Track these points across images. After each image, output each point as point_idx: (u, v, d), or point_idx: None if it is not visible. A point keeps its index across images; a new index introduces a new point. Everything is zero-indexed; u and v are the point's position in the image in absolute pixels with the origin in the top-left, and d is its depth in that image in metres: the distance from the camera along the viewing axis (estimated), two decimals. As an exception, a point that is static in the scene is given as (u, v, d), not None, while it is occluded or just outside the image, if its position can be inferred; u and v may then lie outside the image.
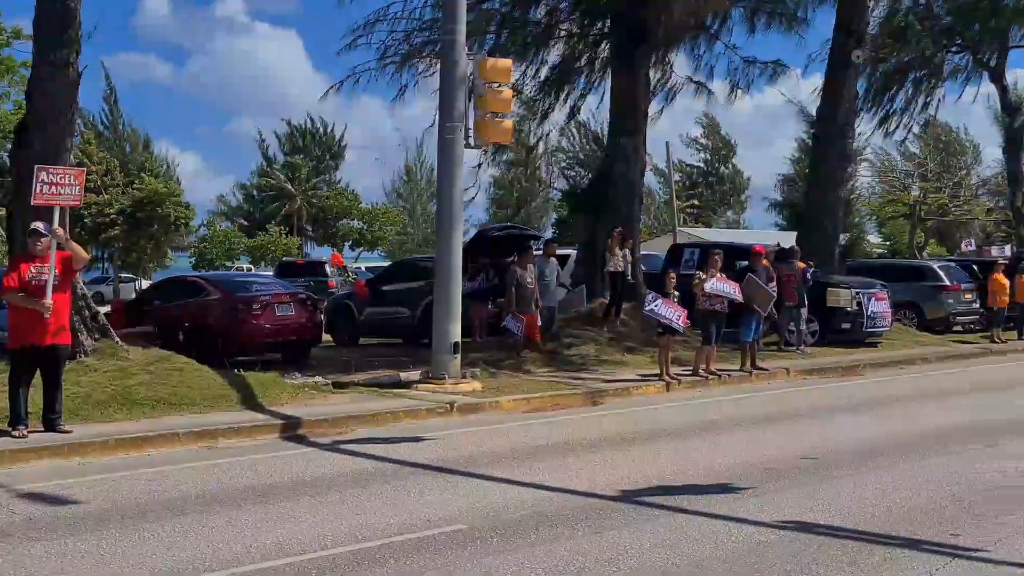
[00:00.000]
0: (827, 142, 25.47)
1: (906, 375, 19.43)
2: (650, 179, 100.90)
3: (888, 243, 73.05)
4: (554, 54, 23.25)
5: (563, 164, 75.33)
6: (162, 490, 9.49)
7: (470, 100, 15.69)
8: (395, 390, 15.23)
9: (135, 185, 65.34)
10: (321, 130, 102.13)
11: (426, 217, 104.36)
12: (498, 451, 11.51)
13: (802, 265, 21.08)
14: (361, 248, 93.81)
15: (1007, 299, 24.71)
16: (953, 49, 35.00)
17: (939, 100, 34.43)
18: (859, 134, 33.26)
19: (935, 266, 28.93)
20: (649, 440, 12.16)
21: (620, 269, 20.24)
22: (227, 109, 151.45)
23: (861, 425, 13.28)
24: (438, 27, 17.84)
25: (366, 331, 24.68)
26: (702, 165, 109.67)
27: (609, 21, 21.57)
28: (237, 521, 8.27)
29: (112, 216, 63.56)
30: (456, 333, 15.60)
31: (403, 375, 16.00)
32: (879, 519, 8.29)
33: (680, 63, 37.05)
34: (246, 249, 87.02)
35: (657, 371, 17.28)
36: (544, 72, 23.40)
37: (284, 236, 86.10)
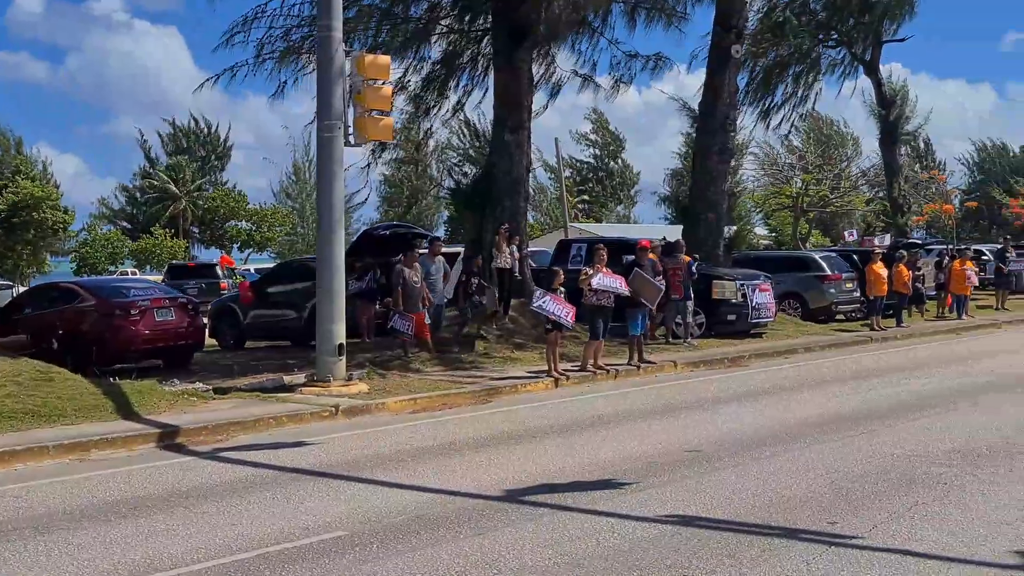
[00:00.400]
0: (709, 136, 25.77)
1: (790, 364, 19.75)
2: (541, 175, 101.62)
3: (774, 235, 74.57)
4: (437, 51, 23.14)
5: (453, 161, 75.18)
6: (28, 506, 9.11)
7: (349, 98, 15.45)
8: (279, 394, 14.92)
9: (8, 189, 63.38)
10: (205, 130, 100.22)
11: (316, 217, 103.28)
12: (383, 454, 11.33)
13: (687, 258, 21.28)
14: (250, 249, 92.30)
15: (885, 288, 25.30)
16: (830, 44, 35.80)
17: (817, 93, 35.15)
18: (741, 128, 33.83)
19: (817, 257, 29.51)
20: (536, 438, 12.09)
21: (507, 266, 20.17)
22: (107, 109, 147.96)
23: (744, 416, 13.41)
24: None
25: (252, 334, 24.20)
26: (592, 161, 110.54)
27: (490, 17, 21.46)
28: (106, 537, 7.96)
29: (-14, 220, 61.65)
30: (341, 334, 15.35)
31: (287, 378, 15.70)
32: (760, 510, 8.33)
33: (564, 58, 37.10)
34: (130, 252, 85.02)
35: (546, 368, 17.27)
36: (427, 69, 23.23)
37: (170, 239, 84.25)
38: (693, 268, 21.16)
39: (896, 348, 22.71)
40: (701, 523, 7.97)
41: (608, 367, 17.73)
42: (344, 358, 15.39)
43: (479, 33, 22.60)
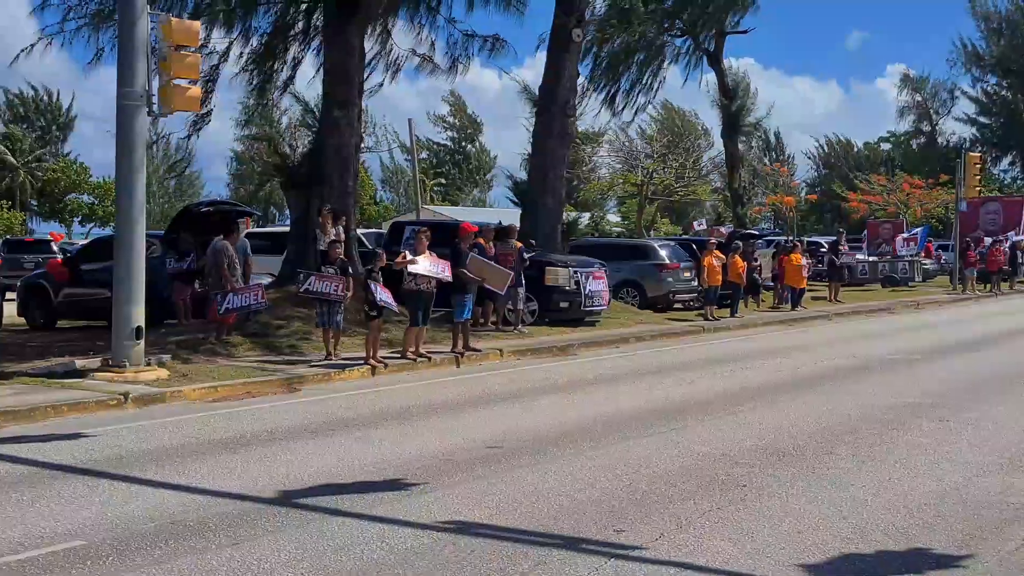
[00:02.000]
0: (549, 120, 25.37)
1: (617, 354, 19.49)
2: (398, 156, 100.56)
3: (626, 222, 75.27)
4: (267, 22, 22.09)
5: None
6: None
7: (155, 65, 14.43)
8: (69, 380, 13.84)
9: None
10: (45, 98, 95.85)
11: (164, 192, 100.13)
12: (163, 448, 10.45)
13: (519, 244, 20.83)
14: (92, 224, 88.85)
15: (720, 278, 25.36)
16: (675, 33, 35.87)
17: (662, 82, 35.23)
18: (588, 113, 33.67)
19: (655, 245, 29.52)
20: (334, 431, 11.38)
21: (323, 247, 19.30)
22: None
23: (559, 409, 12.95)
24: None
25: (64, 313, 22.88)
26: (449, 144, 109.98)
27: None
28: None
29: None
30: (139, 317, 14.34)
31: (79, 363, 14.59)
32: (548, 515, 7.82)
33: (402, 36, 36.08)
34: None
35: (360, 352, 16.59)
36: (256, 42, 22.16)
37: (6, 211, 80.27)
38: (524, 254, 20.71)
39: (726, 339, 22.74)
40: (480, 531, 7.40)
41: (430, 355, 17.12)
42: (142, 342, 14.40)
43: (310, 4, 21.64)
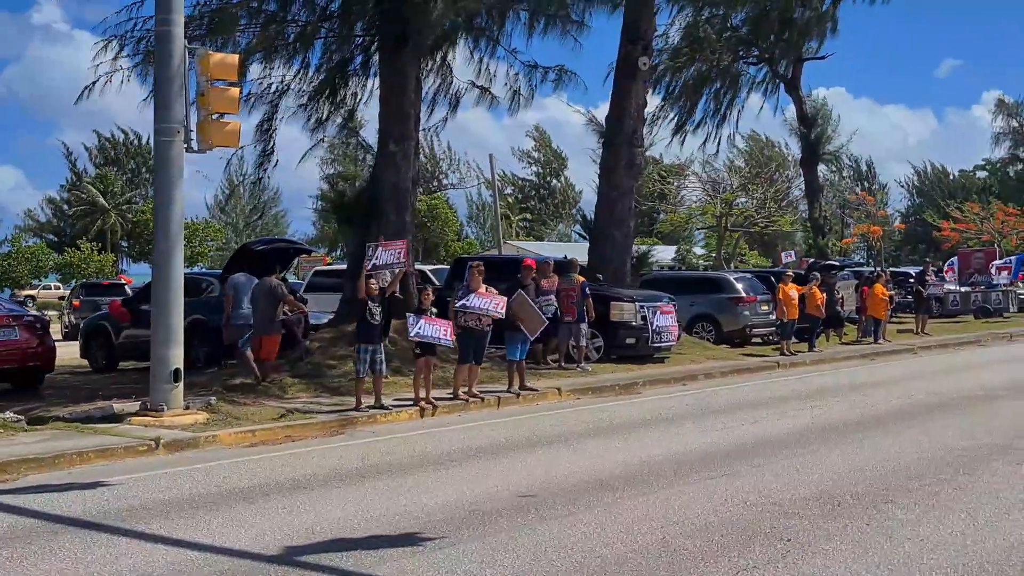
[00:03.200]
0: (615, 151, 24.70)
1: (684, 392, 18.62)
2: (484, 192, 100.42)
3: (713, 255, 73.90)
4: (324, 57, 21.78)
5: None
6: None
7: (193, 100, 14.13)
8: (104, 425, 13.49)
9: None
10: (136, 142, 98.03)
11: (251, 231, 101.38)
12: (180, 498, 9.95)
13: (580, 279, 20.14)
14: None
15: (796, 311, 24.32)
16: (751, 60, 34.97)
17: (740, 111, 34.31)
18: (660, 144, 32.93)
19: (731, 278, 28.58)
20: (363, 478, 10.78)
21: (386, 284, 18.78)
22: (47, 120, 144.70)
23: (604, 452, 12.17)
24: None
25: (125, 355, 22.76)
26: (534, 178, 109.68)
27: (376, 20, 20.17)
28: None
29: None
30: (177, 359, 13.95)
31: (118, 407, 14.27)
32: (571, 573, 7.11)
33: (462, 68, 35.26)
34: (55, 266, 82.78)
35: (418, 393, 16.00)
36: (312, 74, 21.87)
37: (97, 253, 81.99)
38: (586, 289, 19.98)
39: (802, 375, 21.69)
40: (485, 595, 6.73)
41: (483, 395, 16.47)
42: (181, 385, 13.99)
43: (365, 38, 21.31)
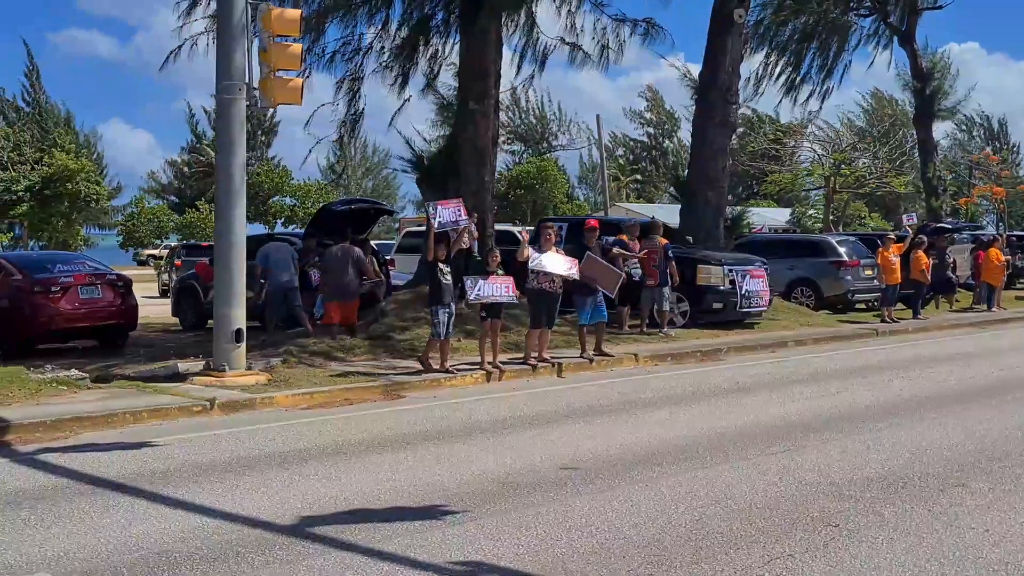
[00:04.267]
0: (708, 108, 23.81)
1: (770, 360, 17.85)
2: (595, 153, 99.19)
3: (832, 218, 71.56)
4: (404, 12, 21.39)
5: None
6: None
7: (256, 56, 13.89)
8: (166, 384, 13.42)
9: (43, 162, 62.93)
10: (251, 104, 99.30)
11: (363, 193, 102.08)
12: (218, 461, 9.75)
13: (664, 241, 19.46)
14: (294, 225, 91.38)
15: (898, 276, 23.19)
16: (862, 12, 33.42)
17: (847, 66, 32.94)
18: (760, 100, 31.81)
19: (832, 241, 27.51)
20: (407, 445, 10.41)
21: (465, 246, 18.39)
22: (174, 85, 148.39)
23: (667, 423, 11.60)
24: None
25: (212, 314, 22.89)
26: (646, 139, 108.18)
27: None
28: None
29: (20, 193, 61.23)
30: (239, 318, 13.83)
31: (182, 366, 14.20)
32: (583, 555, 6.64)
33: (549, 25, 34.13)
34: (176, 227, 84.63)
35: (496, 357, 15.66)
36: (394, 31, 21.50)
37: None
38: (670, 252, 19.30)
39: (900, 344, 20.71)
40: (488, 571, 6.30)
41: (556, 360, 16.00)
42: (243, 345, 13.86)
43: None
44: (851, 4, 32.57)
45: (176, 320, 23.32)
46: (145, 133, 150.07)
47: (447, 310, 14.80)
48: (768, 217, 75.75)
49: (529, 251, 15.55)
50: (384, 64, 21.66)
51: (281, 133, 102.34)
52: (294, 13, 14.10)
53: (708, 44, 23.89)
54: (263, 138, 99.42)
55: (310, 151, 71.64)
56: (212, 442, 10.67)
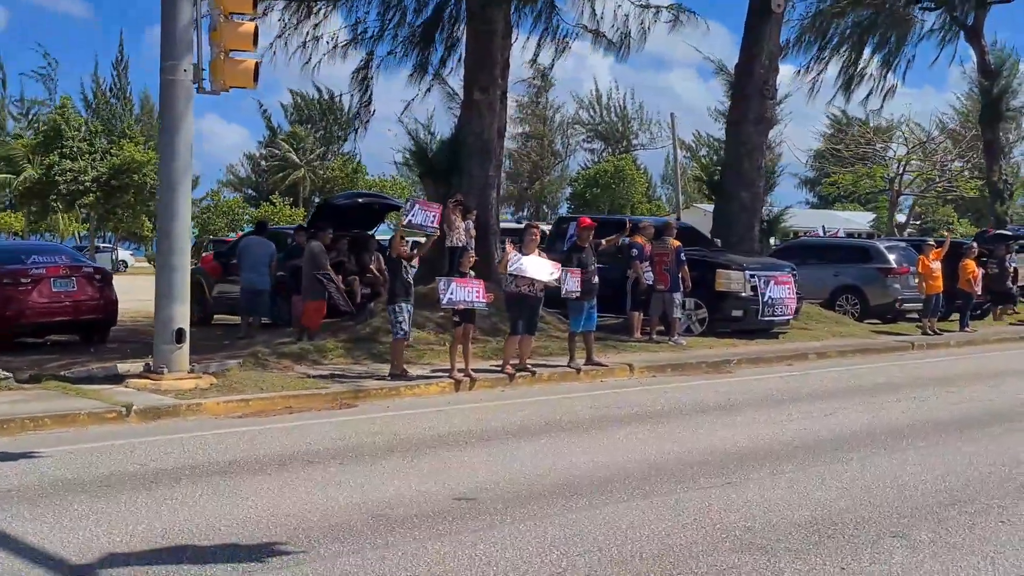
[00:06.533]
0: (744, 103, 22.35)
1: (786, 373, 16.45)
2: (681, 155, 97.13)
3: (917, 222, 68.82)
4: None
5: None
6: None
7: (205, 35, 12.97)
8: (99, 386, 12.55)
9: (112, 152, 63.35)
10: (328, 99, 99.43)
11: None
12: (83, 479, 8.71)
13: (676, 243, 18.12)
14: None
15: (939, 285, 21.49)
16: (925, 5, 31.47)
17: (909, 62, 31.03)
18: (821, 99, 30.14)
19: (881, 246, 25.80)
20: (309, 464, 9.31)
21: (461, 243, 17.30)
22: (267, 79, 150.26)
23: (624, 443, 10.31)
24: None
25: (218, 309, 22.19)
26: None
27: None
28: None
29: (87, 183, 61.69)
30: (182, 317, 12.88)
31: (122, 367, 13.31)
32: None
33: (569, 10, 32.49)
34: (251, 220, 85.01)
35: (476, 365, 14.58)
36: (410, 18, 20.47)
37: (288, 207, 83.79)
38: (682, 255, 17.95)
39: (936, 358, 19.13)
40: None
41: (539, 368, 14.82)
42: (185, 346, 12.91)
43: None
44: (916, -3, 30.68)
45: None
46: (239, 127, 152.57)
47: (408, 307, 13.77)
48: (852, 221, 73.38)
49: (510, 256, 14.34)
50: (391, 53, 20.65)
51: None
52: (246, -12, 13.09)
53: (744, 35, 22.45)
54: (339, 133, 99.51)
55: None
56: (97, 456, 9.69)
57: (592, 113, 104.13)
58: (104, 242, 71.94)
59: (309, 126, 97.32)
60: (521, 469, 9.14)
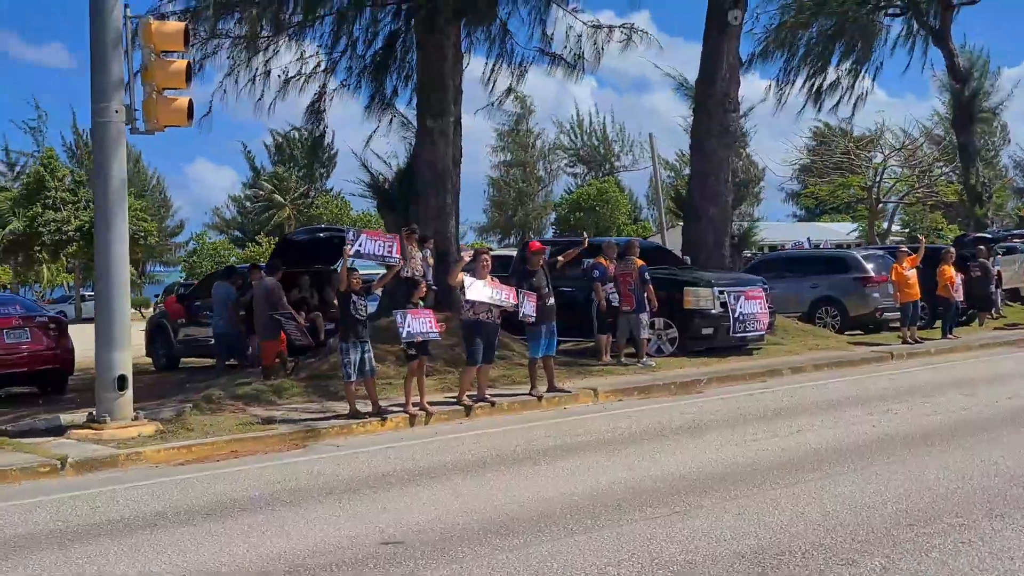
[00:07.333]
0: (706, 117, 22.06)
1: (758, 390, 16.00)
2: (664, 174, 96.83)
3: (906, 229, 68.40)
4: (367, 31, 20.04)
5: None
6: None
7: (136, 75, 12.67)
8: (40, 439, 12.13)
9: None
10: (307, 137, 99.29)
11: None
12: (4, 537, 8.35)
13: (640, 262, 17.74)
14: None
15: (914, 292, 21.08)
16: (893, 11, 31.28)
17: (877, 68, 30.80)
18: (791, 110, 29.99)
19: (858, 256, 25.43)
20: (246, 511, 8.92)
21: (419, 273, 16.89)
22: (250, 120, 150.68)
23: (570, 474, 9.91)
24: None
25: (184, 353, 21.78)
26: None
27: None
28: None
29: (70, 233, 61.36)
30: (123, 364, 12.46)
31: (65, 418, 12.92)
32: None
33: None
34: (237, 261, 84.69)
35: (436, 397, 14.24)
36: (360, 49, 20.15)
37: (274, 246, 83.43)
38: (646, 274, 17.56)
39: (917, 368, 18.72)
40: None
41: (493, 399, 14.37)
42: (128, 393, 12.49)
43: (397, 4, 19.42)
44: (880, 3, 30.46)
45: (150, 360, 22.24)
46: (230, 170, 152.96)
47: (361, 346, 13.34)
48: (839, 232, 73.06)
49: (462, 276, 13.94)
50: (344, 84, 20.34)
51: (340, 163, 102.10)
52: (176, 25, 12.77)
53: (704, 49, 22.18)
54: (322, 170, 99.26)
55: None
56: (20, 514, 9.21)
57: (573, 138, 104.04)
58: (90, 291, 71.47)
59: (292, 165, 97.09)
60: (460, 507, 8.72)
